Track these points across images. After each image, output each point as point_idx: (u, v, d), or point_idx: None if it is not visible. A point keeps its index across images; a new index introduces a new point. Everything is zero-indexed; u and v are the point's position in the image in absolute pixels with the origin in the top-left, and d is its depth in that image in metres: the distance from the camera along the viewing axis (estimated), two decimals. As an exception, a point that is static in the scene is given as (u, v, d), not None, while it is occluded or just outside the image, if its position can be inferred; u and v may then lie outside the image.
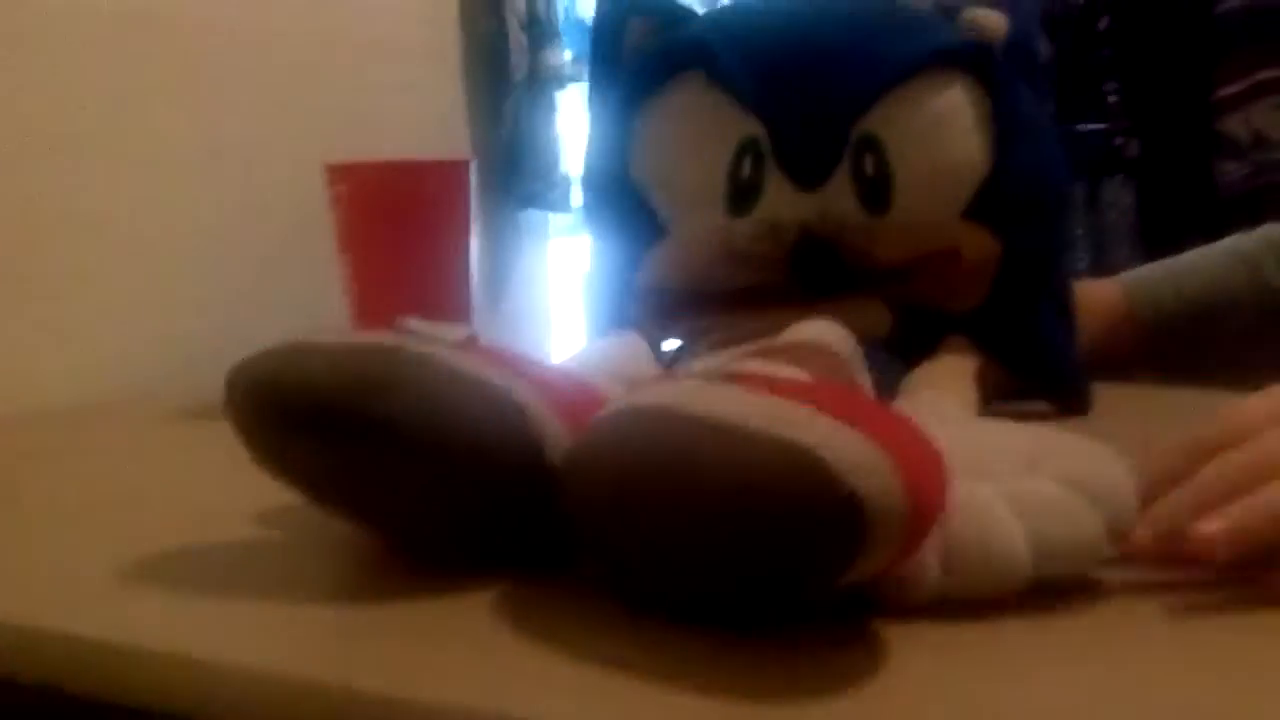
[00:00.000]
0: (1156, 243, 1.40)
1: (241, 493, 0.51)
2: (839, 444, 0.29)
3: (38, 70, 0.78)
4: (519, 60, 1.21)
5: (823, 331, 0.44)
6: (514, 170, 1.25)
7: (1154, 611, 0.35)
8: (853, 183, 0.50)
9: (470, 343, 0.39)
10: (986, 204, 0.51)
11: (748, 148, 0.51)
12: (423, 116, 1.11)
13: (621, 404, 0.35)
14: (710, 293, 0.52)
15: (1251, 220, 1.07)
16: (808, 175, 0.51)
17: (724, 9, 0.59)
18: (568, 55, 1.38)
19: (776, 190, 0.51)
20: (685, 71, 0.53)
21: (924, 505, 0.30)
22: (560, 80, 1.31)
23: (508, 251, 1.27)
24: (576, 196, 1.34)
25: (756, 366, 0.34)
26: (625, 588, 0.36)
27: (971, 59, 0.51)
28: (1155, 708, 0.30)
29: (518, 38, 1.22)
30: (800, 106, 0.51)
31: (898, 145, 0.50)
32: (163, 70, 0.86)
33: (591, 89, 0.58)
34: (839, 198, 0.51)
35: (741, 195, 0.51)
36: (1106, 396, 0.58)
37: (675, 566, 0.33)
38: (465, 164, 0.71)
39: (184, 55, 0.87)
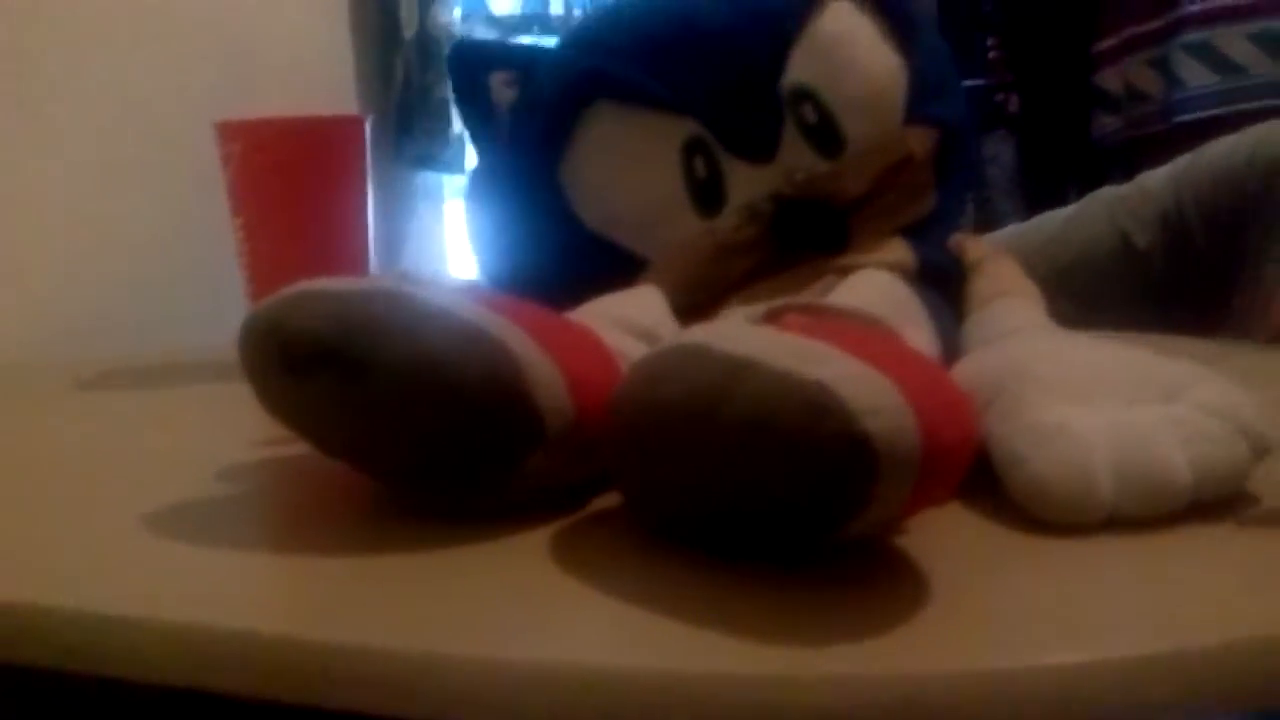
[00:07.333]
0: (1038, 195, 1.45)
1: (137, 463, 0.50)
2: (856, 383, 0.29)
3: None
4: (409, 16, 1.19)
5: (861, 292, 0.44)
6: (405, 131, 1.23)
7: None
8: (802, 137, 0.50)
9: (471, 289, 0.41)
10: (918, 102, 0.52)
11: (693, 148, 0.50)
12: (311, 72, 1.08)
13: (666, 342, 0.36)
14: (713, 295, 0.50)
15: (1126, 171, 1.11)
16: (759, 149, 0.50)
17: (578, 31, 0.56)
18: (457, 13, 1.36)
19: (737, 175, 0.50)
20: (588, 109, 0.51)
21: (941, 450, 0.30)
22: (451, 38, 1.30)
23: (402, 213, 1.25)
24: (470, 159, 1.32)
25: (794, 315, 0.36)
26: (650, 521, 0.37)
27: None
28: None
29: (407, -6, 1.20)
30: (723, 88, 0.50)
31: (827, 84, 0.50)
32: (49, 21, 0.82)
33: (481, 158, 0.55)
34: (796, 156, 0.50)
35: (707, 194, 0.51)
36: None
37: (698, 500, 0.34)
38: (361, 120, 0.69)
39: (73, 5, 0.84)
